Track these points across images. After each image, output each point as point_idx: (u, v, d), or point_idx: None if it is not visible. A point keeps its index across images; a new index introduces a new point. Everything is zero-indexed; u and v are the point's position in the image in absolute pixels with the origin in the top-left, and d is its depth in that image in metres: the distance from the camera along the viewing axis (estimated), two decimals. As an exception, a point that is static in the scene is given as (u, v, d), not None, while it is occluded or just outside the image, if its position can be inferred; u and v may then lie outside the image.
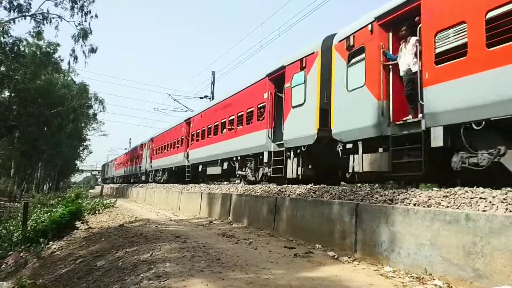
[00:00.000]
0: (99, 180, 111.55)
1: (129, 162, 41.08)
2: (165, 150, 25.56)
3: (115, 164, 53.99)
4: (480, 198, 4.75)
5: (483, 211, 4.39)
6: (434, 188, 5.89)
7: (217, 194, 12.12)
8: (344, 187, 7.97)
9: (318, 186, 8.65)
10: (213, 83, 34.79)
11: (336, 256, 5.79)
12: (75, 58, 29.25)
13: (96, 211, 17.58)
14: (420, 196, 5.51)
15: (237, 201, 10.56)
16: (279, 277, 4.57)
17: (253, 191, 10.61)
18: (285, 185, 10.20)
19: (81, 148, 66.14)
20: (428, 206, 5.09)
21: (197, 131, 19.39)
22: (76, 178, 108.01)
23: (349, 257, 5.66)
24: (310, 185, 9.22)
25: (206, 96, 34.62)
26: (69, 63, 30.10)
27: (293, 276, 4.63)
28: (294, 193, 8.66)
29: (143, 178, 32.71)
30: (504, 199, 4.47)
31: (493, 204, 4.45)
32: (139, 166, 34.40)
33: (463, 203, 4.81)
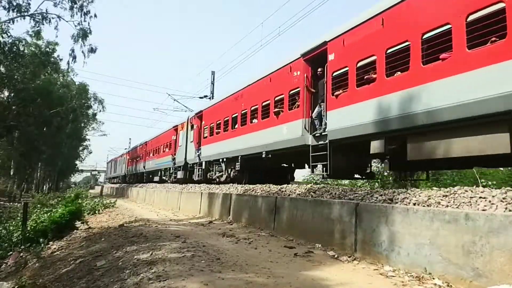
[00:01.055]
0: (99, 180, 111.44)
1: (151, 154, 30.70)
2: (236, 126, 14.85)
3: (127, 158, 42.73)
4: (480, 197, 4.76)
5: (483, 210, 4.40)
6: (434, 188, 5.89)
7: (217, 194, 12.13)
8: (344, 187, 7.98)
9: (318, 186, 8.66)
10: (212, 83, 34.77)
11: (336, 256, 5.80)
12: (75, 58, 29.34)
13: (96, 211, 17.57)
14: (419, 196, 5.53)
15: (237, 201, 10.56)
16: (279, 276, 4.57)
17: (253, 191, 10.62)
18: (285, 185, 10.22)
19: (80, 148, 66.22)
20: (427, 205, 5.10)
21: (365, 62, 8.68)
22: (76, 178, 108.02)
23: (349, 257, 5.67)
24: (310, 185, 9.23)
25: (206, 96, 34.63)
26: (68, 63, 30.22)
27: (293, 276, 4.64)
28: (294, 193, 8.68)
29: (180, 175, 22.11)
30: (503, 198, 4.49)
31: (492, 204, 4.47)
32: (171, 157, 23.98)
33: (463, 202, 4.82)
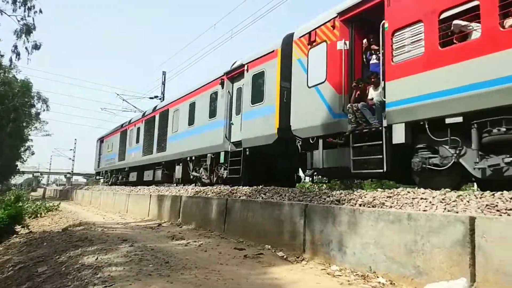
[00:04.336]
0: (41, 182, 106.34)
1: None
2: None
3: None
4: (421, 198, 5.00)
5: (424, 210, 4.62)
6: (379, 189, 6.11)
7: (167, 196, 11.92)
8: (293, 189, 8.09)
9: (268, 187, 8.73)
10: (163, 83, 34.28)
11: (285, 257, 5.86)
12: (18, 54, 27.88)
13: (38, 215, 16.78)
14: (365, 197, 5.72)
15: (187, 203, 10.43)
16: (228, 278, 4.56)
17: (203, 192, 10.54)
18: (236, 186, 10.21)
19: (22, 149, 62.88)
20: (373, 206, 5.29)
21: None
22: (17, 180, 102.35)
23: (298, 257, 5.74)
24: (260, 186, 9.27)
25: (156, 97, 34.05)
26: (11, 60, 28.61)
27: (243, 278, 4.64)
28: (245, 194, 8.70)
29: None
30: (443, 199, 4.73)
31: (433, 204, 4.70)
32: None
33: (406, 203, 5.04)
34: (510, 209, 3.92)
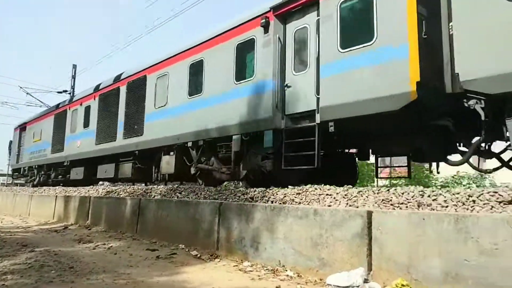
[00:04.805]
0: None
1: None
2: None
3: None
4: (327, 194, 5.29)
5: (329, 206, 4.90)
6: (290, 186, 6.35)
7: (74, 197, 11.27)
8: (209, 187, 8.11)
9: (184, 186, 8.64)
10: (73, 77, 32.33)
11: (199, 255, 5.86)
12: None
13: None
14: (277, 194, 5.92)
15: (97, 203, 9.96)
16: (138, 281, 4.45)
17: (115, 192, 10.15)
18: (150, 186, 9.97)
19: None
20: (283, 202, 5.50)
21: None
22: None
23: (211, 255, 5.78)
24: (176, 185, 9.14)
25: (65, 91, 32.01)
26: None
27: (154, 279, 4.56)
28: (160, 194, 8.53)
29: None
30: (345, 195, 5.05)
31: (336, 200, 5.01)
32: None
33: (313, 199, 5.31)
34: (402, 203, 4.31)
